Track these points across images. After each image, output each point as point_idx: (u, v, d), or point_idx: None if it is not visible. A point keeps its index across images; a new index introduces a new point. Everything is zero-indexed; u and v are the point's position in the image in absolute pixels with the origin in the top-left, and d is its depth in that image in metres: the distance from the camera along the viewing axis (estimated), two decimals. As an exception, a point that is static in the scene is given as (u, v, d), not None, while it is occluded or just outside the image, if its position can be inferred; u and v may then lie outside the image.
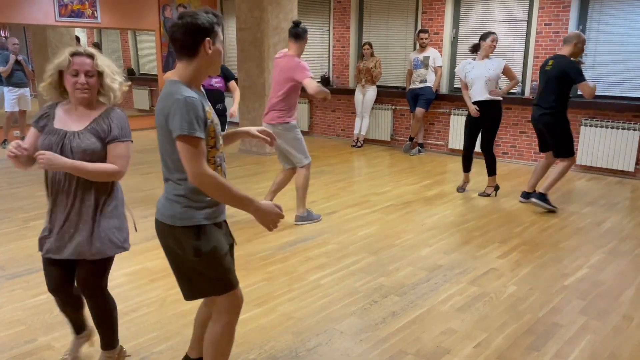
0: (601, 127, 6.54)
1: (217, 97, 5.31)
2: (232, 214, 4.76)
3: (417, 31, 7.79)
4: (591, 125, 6.61)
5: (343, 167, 6.92)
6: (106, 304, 2.47)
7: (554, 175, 5.03)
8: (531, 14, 7.08)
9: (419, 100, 7.73)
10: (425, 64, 7.65)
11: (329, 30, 9.12)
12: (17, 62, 7.87)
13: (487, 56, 5.36)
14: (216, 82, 5.21)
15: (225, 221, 2.18)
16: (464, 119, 7.57)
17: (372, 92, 8.30)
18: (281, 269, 3.62)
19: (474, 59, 5.42)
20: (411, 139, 8.04)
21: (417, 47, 7.81)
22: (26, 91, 8.08)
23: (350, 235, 4.33)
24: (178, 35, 1.94)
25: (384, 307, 3.12)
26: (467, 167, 5.69)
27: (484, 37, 5.32)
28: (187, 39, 1.93)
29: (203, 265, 2.05)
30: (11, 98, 7.91)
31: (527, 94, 7.20)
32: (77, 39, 10.26)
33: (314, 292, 3.29)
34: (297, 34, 4.44)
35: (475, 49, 5.39)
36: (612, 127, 6.47)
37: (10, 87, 7.89)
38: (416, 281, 3.47)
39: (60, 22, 8.71)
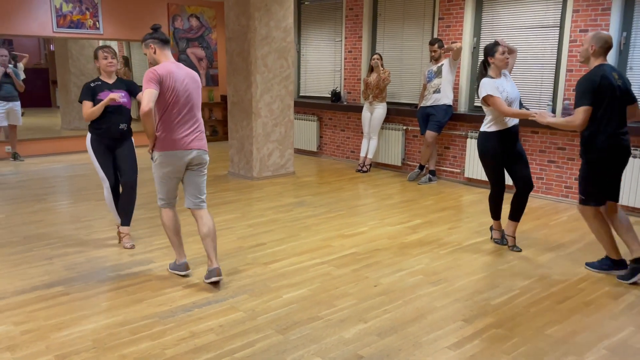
0: (647, 158, 5.20)
1: (120, 115, 4.15)
2: (150, 259, 3.90)
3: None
4: (634, 157, 5.28)
5: (329, 198, 5.96)
6: None
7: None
8: (564, 19, 5.84)
9: (430, 121, 6.65)
10: (439, 72, 6.56)
11: (342, 40, 8.21)
12: (6, 74, 7.53)
13: (500, 72, 4.23)
14: (120, 97, 4.12)
15: None
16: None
17: (381, 109, 7.28)
18: (142, 352, 2.74)
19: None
20: (422, 167, 6.94)
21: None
22: (16, 105, 7.73)
23: (272, 298, 3.39)
24: None
25: None
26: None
27: (490, 51, 4.19)
28: None
29: None
30: (-1, 112, 7.59)
31: (558, 114, 5.95)
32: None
33: (153, 396, 2.39)
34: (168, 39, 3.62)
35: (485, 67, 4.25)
36: (660, 160, 5.12)
37: (-2, 101, 7.57)
38: (310, 384, 2.48)
39: (58, 34, 8.35)
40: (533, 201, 5.93)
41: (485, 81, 4.12)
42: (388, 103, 7.34)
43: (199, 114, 3.60)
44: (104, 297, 3.36)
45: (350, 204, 5.74)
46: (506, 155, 4.20)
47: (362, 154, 7.50)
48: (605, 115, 3.57)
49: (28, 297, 3.34)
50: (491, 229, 4.57)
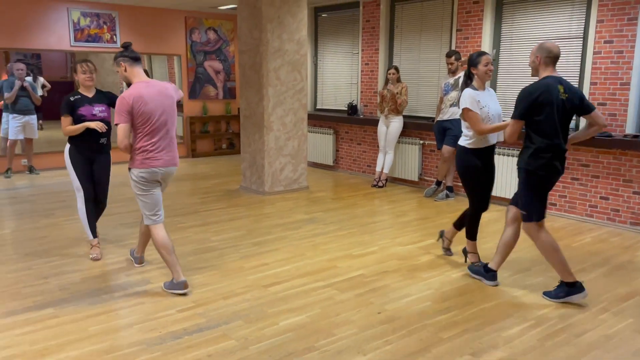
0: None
1: (102, 134, 4.19)
2: (146, 280, 3.63)
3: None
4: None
5: (341, 214, 5.77)
6: None
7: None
8: (587, 30, 5.57)
9: (446, 135, 6.42)
10: (456, 85, 6.34)
11: (359, 52, 8.05)
12: (22, 88, 7.57)
13: (484, 85, 4.03)
14: (100, 112, 4.19)
15: None
16: (502, 158, 6.13)
17: (397, 123, 7.09)
18: (122, 383, 2.59)
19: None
20: (439, 183, 6.71)
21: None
22: (32, 118, 7.76)
23: (268, 325, 3.21)
24: None
25: None
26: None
27: (473, 61, 3.98)
28: None
29: None
30: (15, 125, 7.62)
31: (581, 127, 5.64)
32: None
33: None
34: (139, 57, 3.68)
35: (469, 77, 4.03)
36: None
37: (14, 114, 7.60)
38: None
39: (76, 47, 8.41)
40: (555, 220, 5.64)
41: (467, 92, 3.91)
42: (404, 117, 7.14)
43: (173, 129, 3.69)
44: (93, 321, 3.23)
45: (363, 222, 5.53)
46: (484, 171, 4.03)
47: (378, 169, 7.30)
48: (545, 130, 3.40)
49: (17, 320, 3.23)
50: (465, 253, 4.30)
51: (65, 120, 4.10)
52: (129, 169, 3.60)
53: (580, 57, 5.67)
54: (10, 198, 6.51)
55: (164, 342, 2.98)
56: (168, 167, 3.64)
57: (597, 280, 3.98)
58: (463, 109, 3.88)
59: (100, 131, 4.09)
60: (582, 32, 5.64)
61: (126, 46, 3.60)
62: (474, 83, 3.97)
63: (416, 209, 6.11)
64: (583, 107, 3.50)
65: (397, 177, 7.47)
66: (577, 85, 5.72)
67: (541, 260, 4.33)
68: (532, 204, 3.52)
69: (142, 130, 3.51)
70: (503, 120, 3.96)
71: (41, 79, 8.37)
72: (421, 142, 7.18)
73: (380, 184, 7.23)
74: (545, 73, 3.47)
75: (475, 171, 4.01)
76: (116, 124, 3.45)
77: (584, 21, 5.62)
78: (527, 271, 4.14)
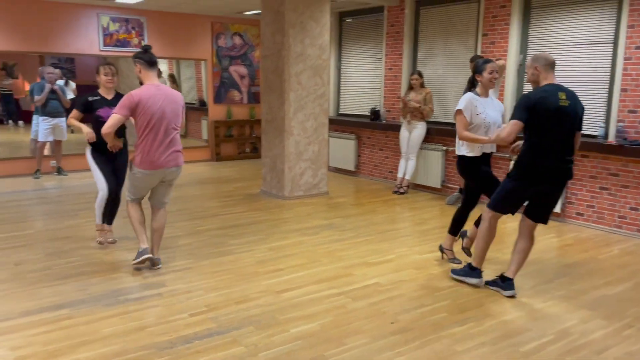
0: None
1: (116, 132, 4.02)
2: (162, 282, 3.63)
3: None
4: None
5: (360, 221, 5.70)
6: None
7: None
8: (618, 35, 5.40)
9: (469, 141, 6.30)
10: None
11: (382, 57, 7.99)
12: (53, 91, 7.75)
13: (487, 92, 4.04)
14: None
15: None
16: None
17: (420, 129, 7.00)
18: (129, 387, 2.59)
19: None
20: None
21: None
22: (61, 121, 7.92)
23: (278, 332, 3.17)
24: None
25: None
26: None
27: (479, 68, 3.98)
28: None
29: None
30: (45, 128, 7.79)
31: (611, 137, 5.48)
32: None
33: None
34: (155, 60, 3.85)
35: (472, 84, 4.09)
36: None
37: (44, 117, 7.78)
38: None
39: (105, 52, 8.56)
40: (582, 231, 5.47)
41: (466, 95, 3.96)
42: (428, 122, 7.05)
43: (175, 132, 3.88)
44: (106, 322, 3.25)
45: (381, 229, 5.46)
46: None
47: (400, 175, 7.22)
48: (542, 137, 3.41)
49: (32, 320, 3.27)
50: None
51: (74, 113, 4.40)
52: (130, 162, 3.95)
53: (610, 63, 5.50)
54: (39, 198, 6.65)
55: (174, 347, 2.97)
56: (169, 168, 3.89)
57: (623, 294, 3.83)
58: (456, 110, 3.92)
59: (89, 141, 4.32)
60: (613, 37, 5.46)
61: (145, 49, 3.80)
62: (477, 89, 4.02)
63: (437, 217, 6.00)
64: (579, 122, 3.53)
65: (419, 184, 7.37)
66: (606, 93, 5.55)
67: (564, 273, 4.21)
68: (499, 195, 3.67)
69: (144, 131, 3.73)
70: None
71: (73, 84, 8.57)
72: (444, 148, 7.07)
73: (401, 190, 7.14)
74: (546, 81, 3.47)
75: (477, 177, 4.11)
76: (114, 112, 3.72)
77: (614, 26, 5.45)
78: (549, 283, 4.01)
